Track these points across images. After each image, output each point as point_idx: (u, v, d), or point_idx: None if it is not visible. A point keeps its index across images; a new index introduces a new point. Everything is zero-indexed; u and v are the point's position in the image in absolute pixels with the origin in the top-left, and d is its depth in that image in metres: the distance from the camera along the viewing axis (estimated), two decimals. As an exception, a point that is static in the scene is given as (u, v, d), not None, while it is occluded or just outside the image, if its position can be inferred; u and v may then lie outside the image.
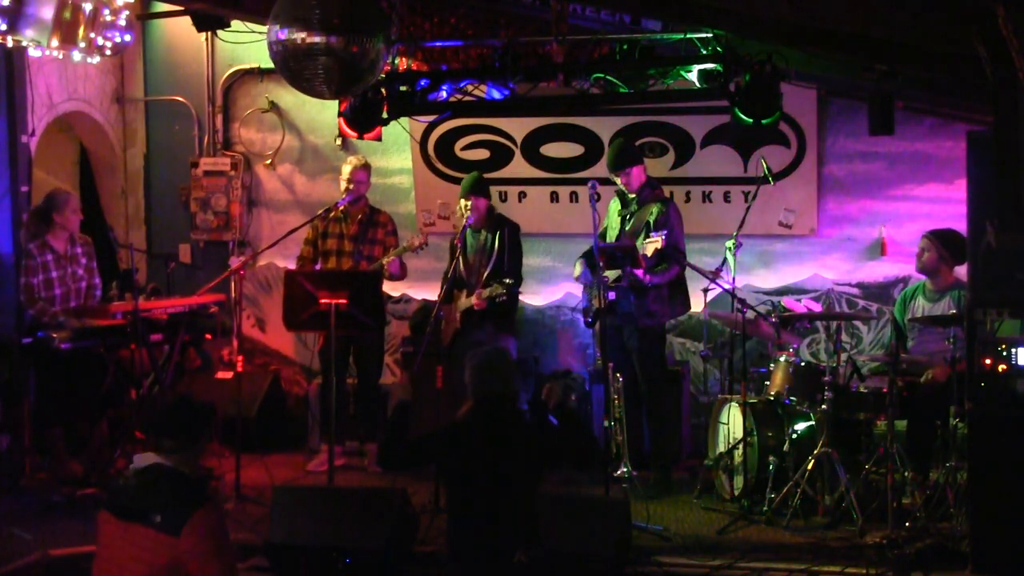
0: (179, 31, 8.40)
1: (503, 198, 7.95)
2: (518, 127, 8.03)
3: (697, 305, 7.25)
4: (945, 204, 7.46)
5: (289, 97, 8.33)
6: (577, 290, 7.97)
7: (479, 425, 4.49)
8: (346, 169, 7.22)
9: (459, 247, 7.04)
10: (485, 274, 6.91)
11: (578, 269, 6.86)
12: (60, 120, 8.00)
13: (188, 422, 3.93)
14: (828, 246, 7.79)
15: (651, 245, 6.29)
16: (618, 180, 6.75)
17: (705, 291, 7.11)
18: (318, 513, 5.17)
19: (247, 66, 8.44)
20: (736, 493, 6.34)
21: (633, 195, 6.74)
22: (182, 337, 7.06)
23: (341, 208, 7.17)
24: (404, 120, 6.96)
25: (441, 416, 6.10)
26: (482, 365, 4.58)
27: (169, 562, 3.69)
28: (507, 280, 6.70)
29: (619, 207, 6.84)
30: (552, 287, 8.11)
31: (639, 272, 6.40)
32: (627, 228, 6.70)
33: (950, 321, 5.85)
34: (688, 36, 5.95)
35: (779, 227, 7.74)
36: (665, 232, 6.30)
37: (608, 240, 6.75)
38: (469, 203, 6.94)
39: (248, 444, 6.66)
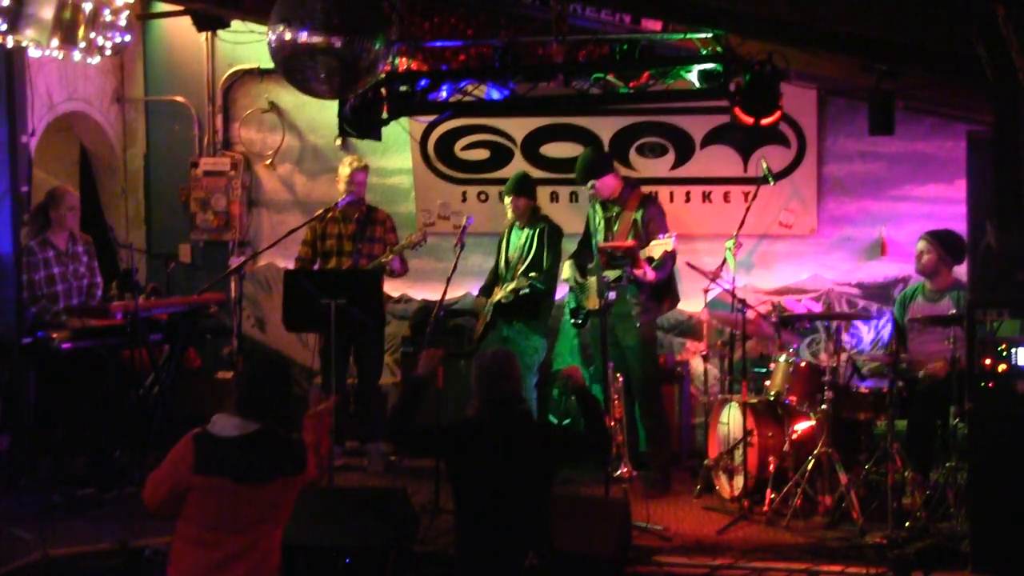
0: (179, 31, 8.40)
1: (504, 198, 7.94)
2: (518, 127, 8.02)
3: (697, 305, 7.25)
4: (945, 204, 7.46)
5: (289, 97, 8.32)
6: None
7: (487, 427, 4.48)
8: (344, 171, 7.21)
9: (504, 243, 7.11)
10: (520, 270, 6.94)
11: (567, 272, 6.87)
12: (60, 120, 7.99)
13: (268, 387, 4.19)
14: (828, 246, 7.79)
15: (660, 247, 6.28)
16: (590, 191, 6.74)
17: (705, 291, 7.11)
18: (318, 513, 5.17)
19: (247, 66, 8.44)
20: (736, 493, 6.34)
21: (614, 199, 6.73)
22: (182, 337, 7.06)
23: (339, 209, 7.18)
24: (404, 120, 6.97)
25: (442, 416, 6.10)
26: (489, 367, 4.56)
27: (295, 493, 4.16)
28: (531, 274, 6.71)
29: (601, 212, 6.81)
30: (556, 282, 8.10)
31: (638, 272, 6.41)
32: (615, 230, 6.70)
33: (950, 321, 5.85)
34: (688, 36, 5.95)
35: (779, 227, 7.74)
36: (675, 234, 6.31)
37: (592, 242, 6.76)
38: (509, 201, 7.00)
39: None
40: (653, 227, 6.50)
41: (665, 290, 6.72)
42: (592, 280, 6.63)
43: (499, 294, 6.96)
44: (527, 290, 6.76)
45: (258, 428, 4.07)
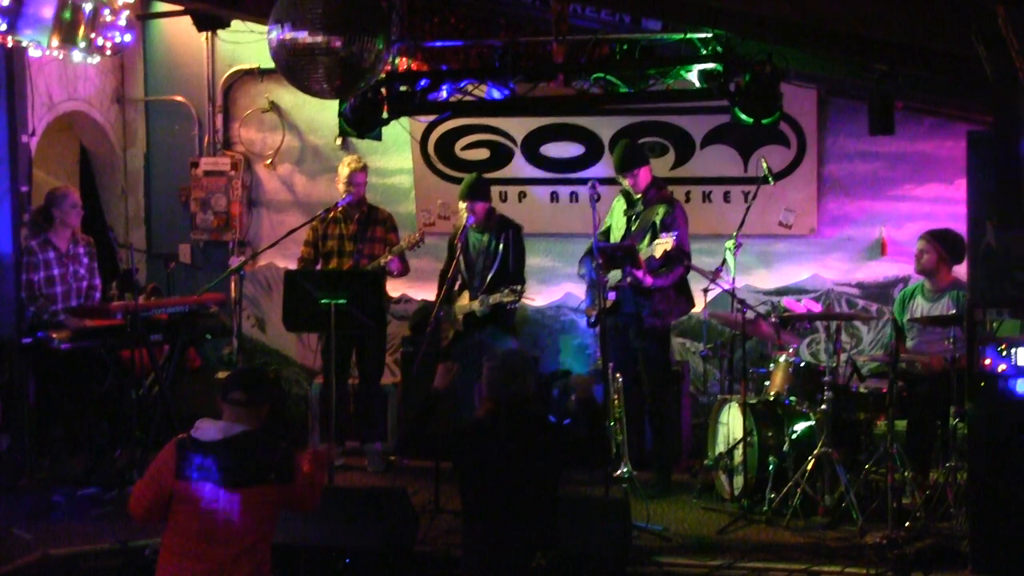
0: (179, 31, 8.40)
1: (503, 198, 7.94)
2: (518, 127, 8.03)
3: (697, 305, 7.24)
4: (945, 204, 7.46)
5: (289, 97, 8.33)
6: (577, 290, 7.98)
7: (499, 427, 4.47)
8: (343, 172, 7.20)
9: (460, 246, 6.98)
10: (488, 277, 6.88)
11: (582, 268, 6.85)
12: (60, 120, 7.99)
13: (258, 381, 4.23)
14: (828, 246, 7.79)
15: (660, 246, 6.27)
16: (625, 182, 6.74)
17: (705, 291, 7.11)
18: (318, 513, 5.16)
19: (247, 66, 8.44)
20: (736, 493, 6.34)
21: (639, 195, 6.73)
22: (182, 337, 7.06)
23: (340, 209, 7.18)
24: (404, 120, 6.95)
25: (441, 416, 6.10)
26: (502, 367, 4.53)
27: (280, 505, 4.14)
28: (516, 287, 6.66)
29: (624, 207, 6.82)
30: (552, 287, 8.11)
31: (639, 273, 6.40)
32: (633, 229, 6.69)
33: (950, 321, 5.86)
34: (688, 36, 5.95)
35: (779, 227, 7.74)
36: (676, 233, 6.29)
37: (612, 240, 6.74)
38: (466, 206, 6.92)
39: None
40: (672, 232, 6.48)
41: (680, 293, 6.69)
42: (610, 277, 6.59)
43: (471, 304, 6.88)
44: (516, 305, 6.71)
45: (241, 431, 4.05)
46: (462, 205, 6.93)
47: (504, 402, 4.48)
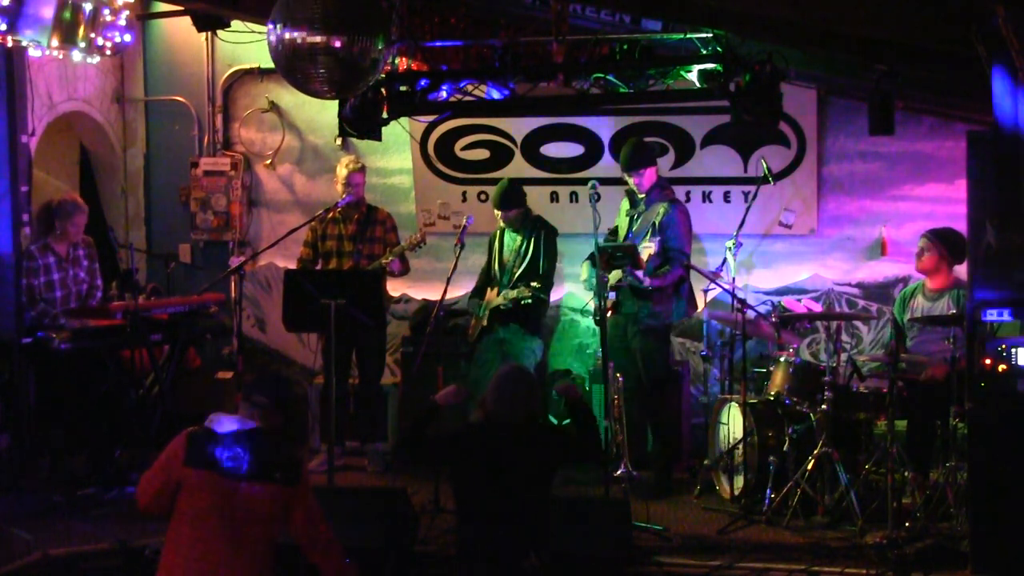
0: (179, 31, 8.40)
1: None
2: (518, 127, 8.02)
3: (697, 305, 7.23)
4: (945, 204, 7.45)
5: (289, 97, 8.32)
6: (578, 290, 7.97)
7: (490, 432, 4.47)
8: (341, 172, 7.21)
9: (497, 247, 7.09)
10: (517, 274, 6.93)
11: (585, 272, 6.85)
12: (60, 120, 7.99)
13: (282, 388, 4.28)
14: (828, 246, 7.78)
15: (645, 251, 6.30)
16: (630, 180, 6.74)
17: (705, 291, 7.11)
18: (318, 513, 5.17)
19: (247, 66, 8.43)
20: (736, 493, 6.34)
21: (642, 195, 6.73)
22: (182, 337, 7.06)
23: (339, 209, 7.18)
24: (404, 120, 6.95)
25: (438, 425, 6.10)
26: (504, 392, 4.53)
27: (282, 509, 4.14)
28: (534, 284, 6.71)
29: (628, 207, 6.83)
30: (552, 287, 8.10)
31: (639, 273, 6.40)
32: (634, 228, 6.70)
33: (950, 321, 5.86)
34: (688, 36, 5.95)
35: (779, 227, 7.74)
36: (658, 239, 6.31)
37: (619, 239, 6.75)
38: (499, 215, 6.99)
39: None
40: (670, 233, 6.48)
41: (680, 294, 6.68)
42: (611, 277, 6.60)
43: (496, 299, 6.93)
44: (529, 300, 6.75)
45: (253, 427, 4.08)
46: (496, 214, 7.01)
47: (504, 425, 4.50)
